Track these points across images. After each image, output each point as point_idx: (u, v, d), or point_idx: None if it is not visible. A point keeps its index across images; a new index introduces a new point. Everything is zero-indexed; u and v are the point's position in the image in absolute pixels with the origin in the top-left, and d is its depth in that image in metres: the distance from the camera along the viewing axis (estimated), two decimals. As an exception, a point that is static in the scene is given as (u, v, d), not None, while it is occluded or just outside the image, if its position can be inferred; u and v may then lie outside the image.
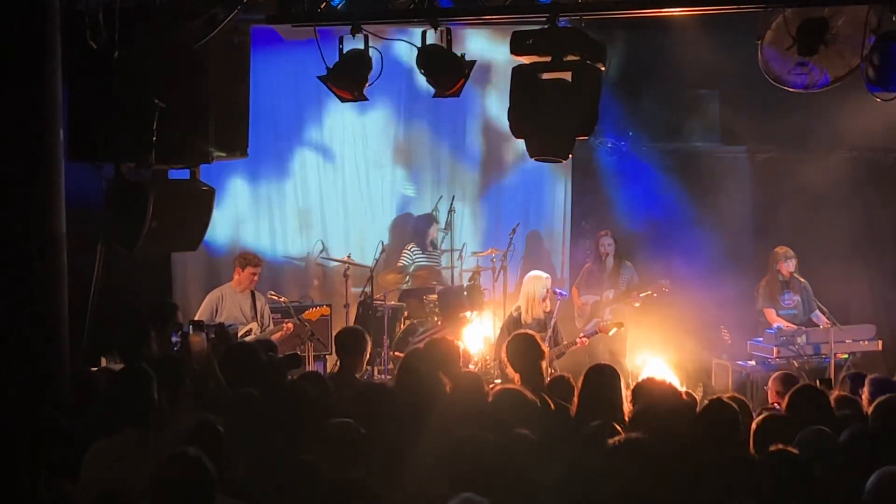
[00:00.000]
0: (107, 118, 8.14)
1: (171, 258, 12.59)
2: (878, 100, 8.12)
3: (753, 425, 6.38)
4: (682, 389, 9.05)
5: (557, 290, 11.56)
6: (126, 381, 6.38)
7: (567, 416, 6.94)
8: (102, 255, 9.20)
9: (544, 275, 11.58)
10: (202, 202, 9.09)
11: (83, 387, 7.30)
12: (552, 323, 11.30)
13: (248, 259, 11.57)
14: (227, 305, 11.33)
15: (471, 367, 11.76)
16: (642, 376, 10.16)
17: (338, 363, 8.90)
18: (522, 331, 9.94)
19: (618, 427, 5.95)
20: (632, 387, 7.25)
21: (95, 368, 8.56)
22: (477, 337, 12.52)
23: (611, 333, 11.65)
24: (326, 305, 12.41)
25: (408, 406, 6.13)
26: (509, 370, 7.82)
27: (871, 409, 6.73)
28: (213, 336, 8.28)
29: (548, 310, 11.26)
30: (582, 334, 11.53)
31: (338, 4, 9.12)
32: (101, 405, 6.64)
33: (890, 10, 7.81)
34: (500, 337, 11.38)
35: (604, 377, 7.08)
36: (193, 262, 12.69)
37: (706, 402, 6.76)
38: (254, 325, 11.33)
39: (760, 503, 5.30)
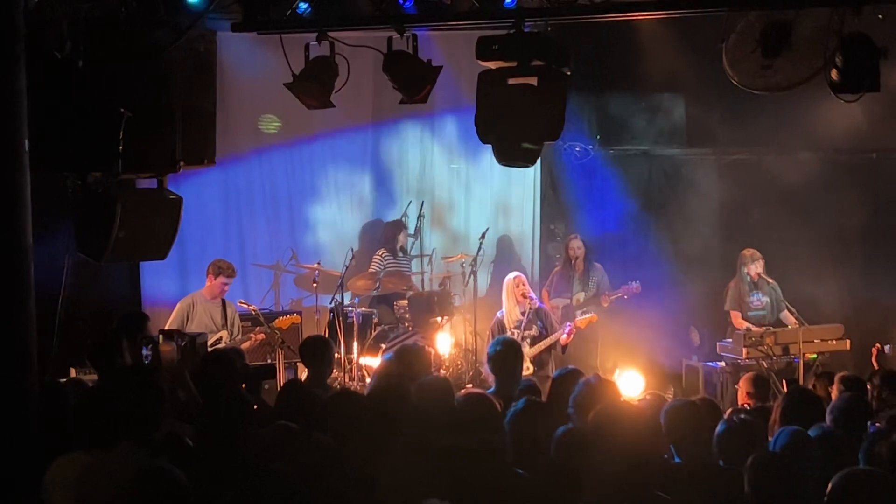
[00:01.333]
0: (72, 128, 8.09)
1: (140, 267, 12.55)
2: (842, 101, 8.18)
3: (719, 428, 6.40)
4: (649, 391, 9.12)
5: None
6: (95, 393, 6.33)
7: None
8: (70, 265, 9.16)
9: (514, 274, 11.59)
10: (170, 211, 9.04)
11: (53, 399, 7.25)
12: (541, 319, 11.27)
13: (221, 268, 11.52)
14: (198, 313, 11.29)
15: (442, 371, 11.80)
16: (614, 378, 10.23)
17: (306, 373, 8.90)
18: (503, 337, 10.01)
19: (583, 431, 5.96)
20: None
21: (65, 379, 8.51)
22: (448, 342, 12.54)
23: (584, 326, 11.61)
24: (297, 314, 12.35)
25: (377, 413, 6.12)
26: (486, 373, 7.89)
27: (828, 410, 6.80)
28: (184, 344, 8.23)
29: (524, 310, 11.23)
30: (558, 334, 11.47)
31: (303, 12, 9.10)
32: (70, 417, 6.59)
33: (852, 13, 7.86)
34: (487, 339, 11.44)
35: (571, 381, 7.09)
36: (163, 271, 12.64)
37: (671, 402, 6.78)
38: (224, 334, 11.30)
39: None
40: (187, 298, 11.47)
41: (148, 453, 5.50)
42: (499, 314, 11.44)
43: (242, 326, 11.72)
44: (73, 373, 9.88)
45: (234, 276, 11.64)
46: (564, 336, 11.19)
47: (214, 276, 11.44)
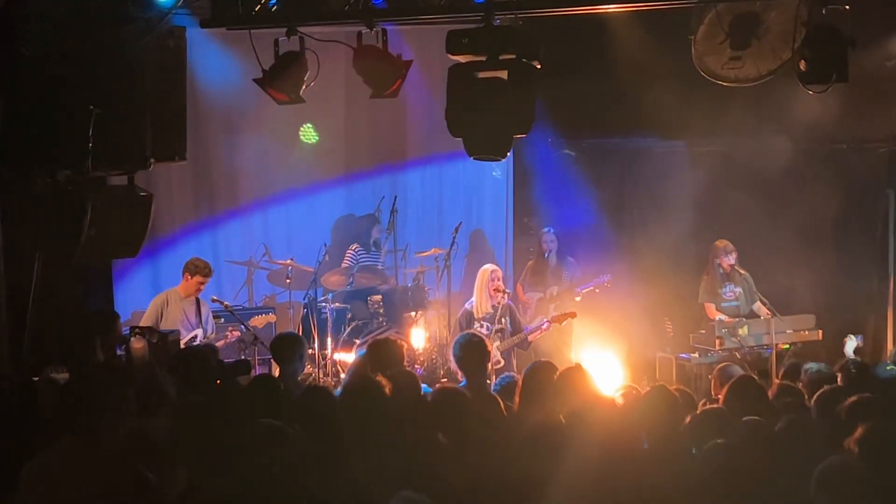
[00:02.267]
0: (42, 125, 8.06)
1: (111, 265, 12.50)
2: (810, 92, 8.23)
3: (692, 418, 6.44)
4: (626, 384, 9.15)
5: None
6: (69, 391, 6.31)
7: (508, 414, 6.97)
8: (41, 263, 9.12)
9: (490, 266, 11.62)
10: (141, 208, 9.03)
11: (26, 397, 7.24)
12: (507, 315, 11.31)
13: (198, 268, 11.39)
14: (172, 310, 11.20)
15: (416, 366, 11.81)
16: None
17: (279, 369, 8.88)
18: (470, 331, 10.03)
19: (557, 424, 5.98)
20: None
21: (37, 378, 8.47)
22: (422, 336, 12.55)
23: (563, 324, 11.65)
24: (272, 312, 12.30)
25: (350, 409, 6.12)
26: (454, 367, 7.89)
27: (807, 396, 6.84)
28: (155, 342, 8.22)
29: (497, 303, 11.26)
30: (528, 329, 11.48)
31: (273, 6, 9.08)
32: (43, 416, 6.58)
33: (820, 4, 7.90)
34: (456, 330, 11.47)
35: (544, 374, 7.11)
36: (135, 269, 12.61)
37: (648, 389, 6.82)
38: (198, 332, 11.23)
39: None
40: (161, 295, 11.39)
41: (120, 448, 5.49)
42: (467, 305, 11.47)
43: (217, 324, 11.66)
44: (45, 371, 9.83)
45: (211, 276, 11.54)
46: (537, 332, 11.25)
47: (191, 276, 11.34)
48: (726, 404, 6.83)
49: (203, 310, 11.46)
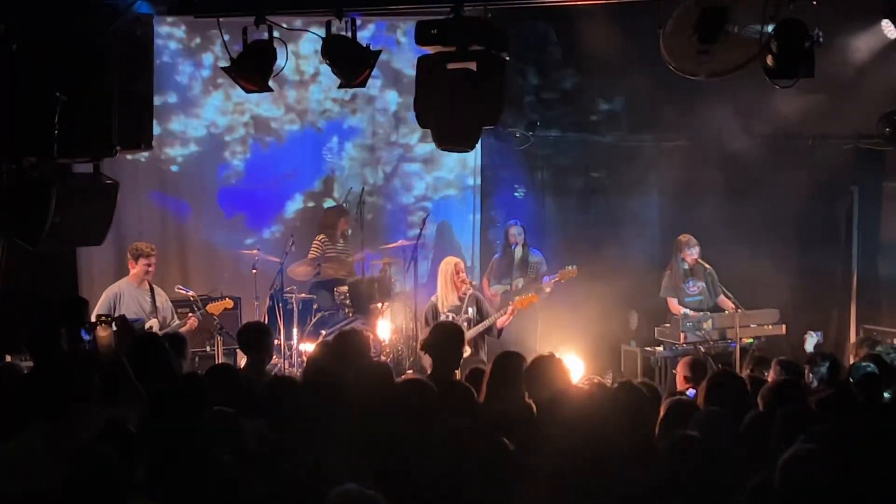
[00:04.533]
0: (7, 112, 8.00)
1: (77, 252, 12.43)
2: (777, 87, 8.28)
3: (661, 411, 6.47)
4: (591, 376, 9.20)
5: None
6: (34, 378, 6.27)
7: (475, 404, 6.98)
8: (4, 251, 9.06)
9: (452, 259, 11.64)
10: (106, 196, 8.98)
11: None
12: (473, 304, 11.33)
13: (140, 250, 11.22)
14: (126, 302, 10.99)
15: (382, 357, 11.80)
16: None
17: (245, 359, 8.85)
18: (442, 320, 10.03)
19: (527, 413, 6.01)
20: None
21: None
22: (388, 327, 12.55)
23: (525, 306, 11.64)
24: (230, 298, 12.17)
25: (315, 399, 6.11)
26: (425, 358, 7.88)
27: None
28: (116, 329, 8.15)
29: (462, 293, 11.28)
30: (497, 315, 11.48)
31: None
32: (2, 403, 6.52)
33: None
34: (422, 324, 11.48)
35: (511, 364, 7.12)
36: (99, 257, 12.53)
37: (616, 385, 6.84)
38: (154, 322, 11.09)
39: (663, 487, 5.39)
40: (113, 287, 11.18)
41: (88, 435, 5.46)
42: (433, 298, 11.48)
43: (179, 313, 11.57)
44: (7, 359, 9.77)
45: (154, 254, 11.35)
46: (504, 317, 11.26)
47: (135, 261, 11.14)
48: (707, 399, 6.84)
49: (158, 299, 11.26)
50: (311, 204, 14.21)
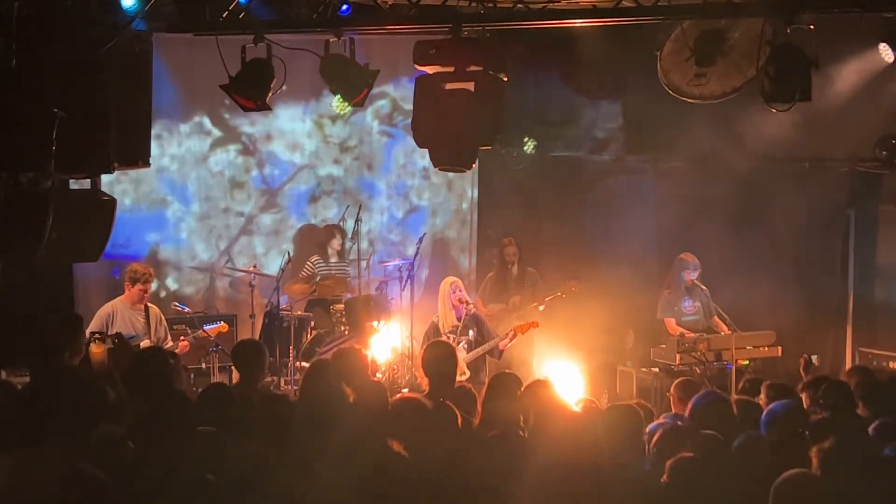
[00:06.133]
0: (5, 127, 8.01)
1: (73, 269, 12.42)
2: (774, 110, 8.30)
3: (655, 436, 6.45)
4: (585, 397, 9.18)
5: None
6: (30, 396, 6.24)
7: (467, 426, 6.97)
8: (1, 266, 9.05)
9: (450, 279, 11.64)
10: (103, 212, 8.97)
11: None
12: (474, 325, 11.33)
13: (137, 275, 11.09)
14: (119, 321, 10.91)
15: (378, 376, 11.78)
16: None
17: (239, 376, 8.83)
18: (437, 339, 10.02)
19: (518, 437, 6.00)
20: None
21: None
22: (384, 346, 12.53)
23: (525, 332, 11.64)
24: (225, 322, 12.18)
25: (310, 418, 6.11)
26: (420, 377, 7.89)
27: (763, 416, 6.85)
28: (113, 347, 8.15)
29: (460, 315, 11.28)
30: (498, 339, 11.46)
31: (240, 14, 9.05)
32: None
33: (785, 23, 7.96)
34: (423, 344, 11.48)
35: (506, 386, 7.12)
36: (95, 273, 12.52)
37: (608, 407, 6.84)
38: (147, 342, 11.00)
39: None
40: (107, 306, 11.09)
41: (81, 455, 5.44)
42: (434, 319, 11.48)
43: (175, 330, 11.53)
44: (3, 374, 9.76)
45: (152, 281, 11.32)
46: (505, 341, 11.25)
47: (132, 284, 11.04)
48: (692, 419, 6.83)
49: (152, 319, 11.13)
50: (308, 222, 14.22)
